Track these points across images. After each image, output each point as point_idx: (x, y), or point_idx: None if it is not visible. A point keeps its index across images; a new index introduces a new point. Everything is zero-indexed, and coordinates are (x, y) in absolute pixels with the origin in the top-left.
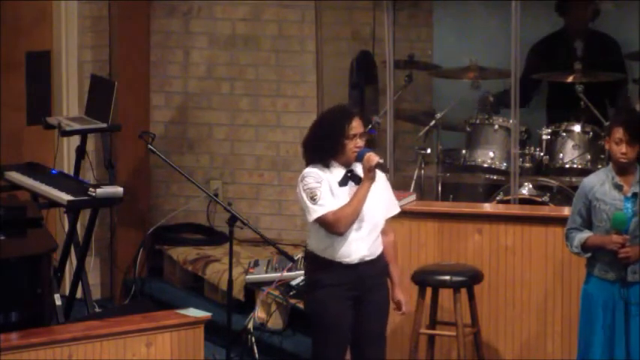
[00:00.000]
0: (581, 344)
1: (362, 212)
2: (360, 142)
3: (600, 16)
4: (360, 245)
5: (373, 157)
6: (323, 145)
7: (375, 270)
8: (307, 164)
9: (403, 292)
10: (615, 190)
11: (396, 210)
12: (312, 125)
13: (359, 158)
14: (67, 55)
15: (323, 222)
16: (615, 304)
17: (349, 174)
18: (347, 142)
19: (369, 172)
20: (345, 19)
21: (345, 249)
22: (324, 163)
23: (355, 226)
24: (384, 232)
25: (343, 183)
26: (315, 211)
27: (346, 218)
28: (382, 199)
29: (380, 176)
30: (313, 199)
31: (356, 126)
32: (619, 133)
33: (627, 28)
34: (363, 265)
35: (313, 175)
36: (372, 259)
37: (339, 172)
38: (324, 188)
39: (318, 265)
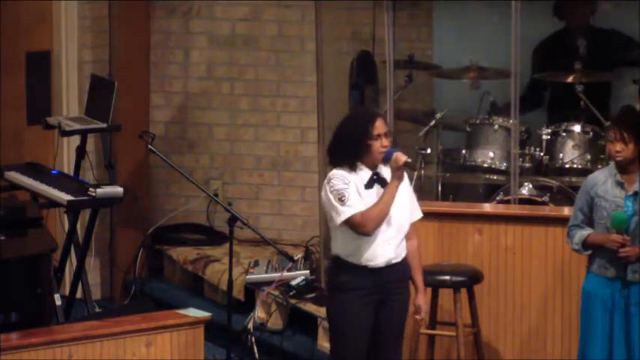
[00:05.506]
0: (580, 344)
1: (389, 213)
2: (386, 142)
3: (600, 14)
4: (386, 248)
5: (401, 157)
6: (348, 148)
7: (398, 273)
8: (334, 167)
9: (425, 301)
10: (617, 187)
11: (419, 215)
12: (335, 129)
13: (386, 158)
14: (67, 55)
15: (352, 223)
16: (614, 303)
17: (375, 176)
18: (372, 142)
19: (397, 170)
20: (345, 19)
21: (371, 252)
22: (351, 165)
23: (382, 227)
24: (408, 237)
25: (369, 185)
26: (344, 212)
27: (374, 218)
28: (407, 202)
29: (405, 179)
30: (341, 200)
31: (379, 126)
32: (612, 131)
33: (627, 27)
34: (388, 269)
35: (339, 176)
36: (397, 262)
37: (365, 174)
38: (352, 189)
39: (343, 269)
